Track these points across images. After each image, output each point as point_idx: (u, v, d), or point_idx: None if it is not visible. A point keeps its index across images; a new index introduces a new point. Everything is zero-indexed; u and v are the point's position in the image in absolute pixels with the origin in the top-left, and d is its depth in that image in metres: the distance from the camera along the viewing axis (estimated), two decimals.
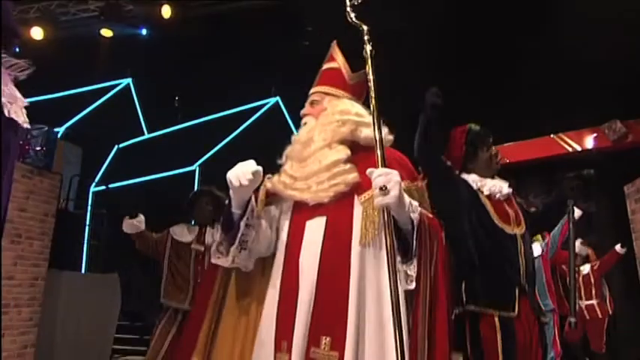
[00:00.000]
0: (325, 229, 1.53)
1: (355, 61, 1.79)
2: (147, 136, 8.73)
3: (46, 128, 3.95)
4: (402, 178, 1.44)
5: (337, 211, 1.53)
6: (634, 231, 3.37)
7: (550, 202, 2.46)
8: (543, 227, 2.99)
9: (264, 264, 1.66)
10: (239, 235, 1.54)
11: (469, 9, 6.07)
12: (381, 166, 1.40)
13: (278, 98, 8.16)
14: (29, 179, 3.85)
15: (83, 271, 6.50)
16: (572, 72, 5.90)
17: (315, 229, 1.55)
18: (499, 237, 2.11)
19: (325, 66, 1.82)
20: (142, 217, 3.43)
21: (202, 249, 3.44)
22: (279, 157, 1.70)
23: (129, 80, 8.84)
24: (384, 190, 1.33)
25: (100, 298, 5.02)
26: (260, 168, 1.50)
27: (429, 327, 1.40)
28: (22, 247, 3.76)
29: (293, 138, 1.72)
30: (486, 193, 2.23)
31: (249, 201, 1.56)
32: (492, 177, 2.30)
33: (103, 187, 7.97)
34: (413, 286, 1.41)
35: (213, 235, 3.31)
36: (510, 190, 2.26)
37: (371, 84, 1.55)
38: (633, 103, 6.05)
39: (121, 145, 8.62)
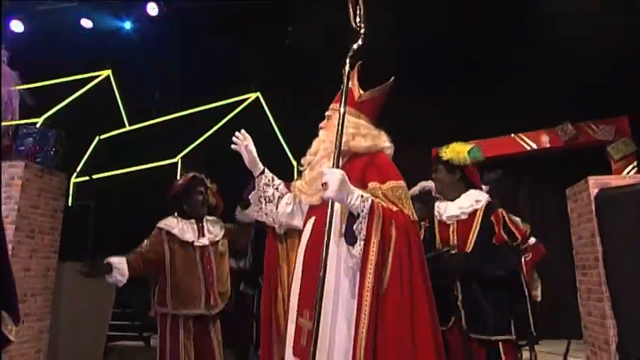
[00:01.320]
0: (313, 226, 1.86)
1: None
2: (128, 128, 8.84)
3: (56, 131, 4.18)
4: (370, 179, 1.79)
5: (323, 210, 1.77)
6: (572, 225, 3.96)
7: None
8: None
9: None
10: (260, 191, 2.12)
11: (432, 14, 6.34)
12: (335, 166, 1.70)
13: (258, 94, 8.43)
14: (40, 178, 4.10)
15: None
16: (532, 76, 6.44)
17: (308, 226, 1.89)
18: (437, 260, 2.29)
19: (344, 85, 2.02)
20: (118, 262, 2.80)
21: (207, 243, 3.07)
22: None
23: (109, 72, 8.89)
24: (324, 185, 1.66)
25: (98, 287, 5.28)
26: (239, 133, 2.11)
27: (378, 313, 1.61)
28: (36, 241, 4.02)
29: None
30: (439, 218, 2.46)
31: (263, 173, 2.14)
32: (457, 196, 2.47)
33: (86, 178, 8.08)
34: (352, 262, 1.69)
35: (209, 228, 3.14)
36: (458, 212, 2.40)
37: (344, 91, 1.84)
38: (584, 106, 6.72)
39: (102, 137, 8.71)
